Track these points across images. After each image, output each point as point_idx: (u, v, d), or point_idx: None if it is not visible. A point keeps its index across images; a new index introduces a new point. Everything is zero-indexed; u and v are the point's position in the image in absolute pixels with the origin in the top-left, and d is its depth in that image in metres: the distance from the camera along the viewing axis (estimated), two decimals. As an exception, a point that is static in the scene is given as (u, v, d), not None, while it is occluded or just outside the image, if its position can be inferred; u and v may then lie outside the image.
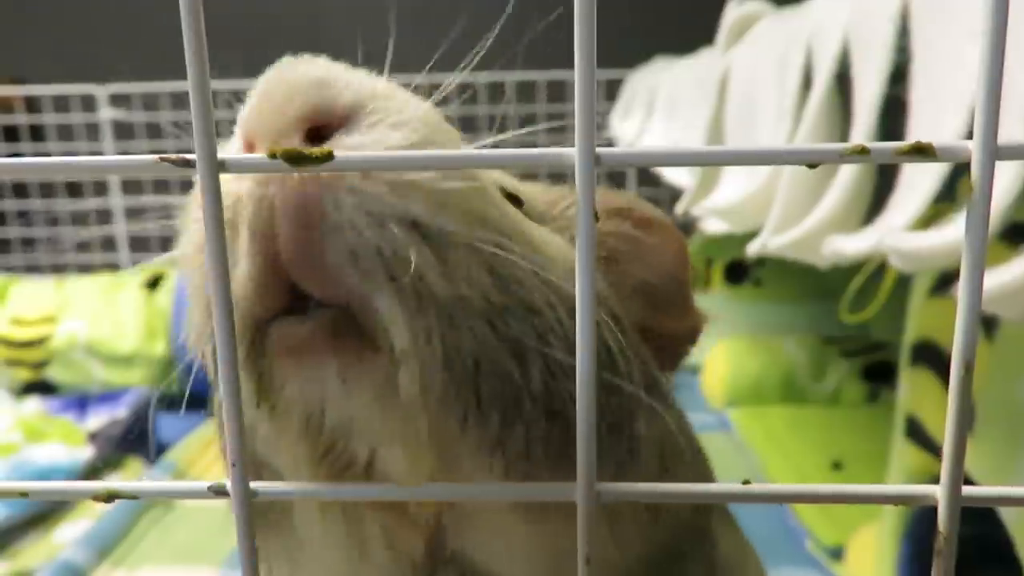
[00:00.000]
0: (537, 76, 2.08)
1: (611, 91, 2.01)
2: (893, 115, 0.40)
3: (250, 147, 0.25)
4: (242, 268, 0.24)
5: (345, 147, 0.24)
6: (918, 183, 0.34)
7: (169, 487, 0.19)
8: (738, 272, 1.73)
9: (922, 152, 0.16)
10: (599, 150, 0.17)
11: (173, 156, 0.17)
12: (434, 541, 0.29)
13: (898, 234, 0.33)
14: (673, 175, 1.01)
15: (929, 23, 0.35)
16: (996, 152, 0.16)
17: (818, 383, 1.44)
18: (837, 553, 0.93)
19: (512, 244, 0.27)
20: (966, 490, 0.17)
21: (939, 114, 0.32)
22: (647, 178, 2.00)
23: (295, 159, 0.17)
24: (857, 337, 1.47)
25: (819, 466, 1.18)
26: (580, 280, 0.17)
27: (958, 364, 0.17)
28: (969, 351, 0.17)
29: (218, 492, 0.18)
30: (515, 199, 0.34)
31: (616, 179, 2.12)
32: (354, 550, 0.29)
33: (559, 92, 2.09)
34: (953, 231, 0.30)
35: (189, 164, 0.17)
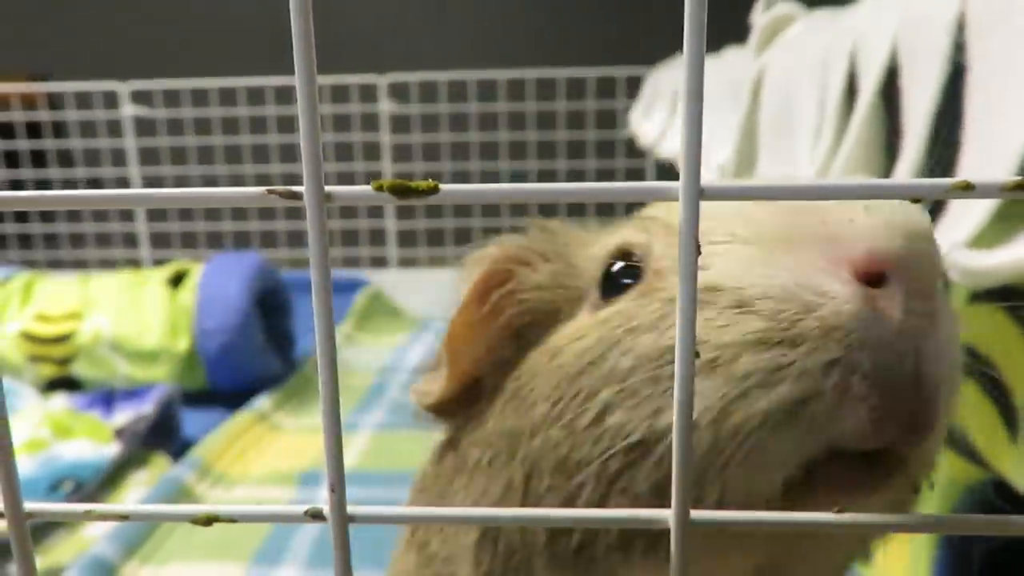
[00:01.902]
0: (587, 73, 2.08)
1: (631, 88, 2.01)
2: (942, 127, 0.39)
3: (872, 275, 0.25)
4: (866, 404, 0.25)
5: (949, 318, 0.27)
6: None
7: (266, 511, 0.19)
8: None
9: (1029, 188, 0.16)
10: (703, 183, 0.17)
11: (280, 189, 0.17)
12: None
13: (963, 251, 0.33)
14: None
15: (988, 34, 0.34)
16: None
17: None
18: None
19: None
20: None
21: (998, 129, 0.32)
22: (665, 174, 2.00)
23: (400, 191, 0.17)
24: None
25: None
26: (681, 316, 0.17)
27: None
28: None
29: (315, 516, 0.19)
30: None
31: (635, 174, 2.12)
32: None
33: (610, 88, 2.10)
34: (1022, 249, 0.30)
35: (296, 196, 0.17)
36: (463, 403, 0.36)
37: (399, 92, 2.12)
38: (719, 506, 0.26)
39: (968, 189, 0.16)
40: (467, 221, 2.18)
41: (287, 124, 2.15)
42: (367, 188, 0.17)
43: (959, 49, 0.37)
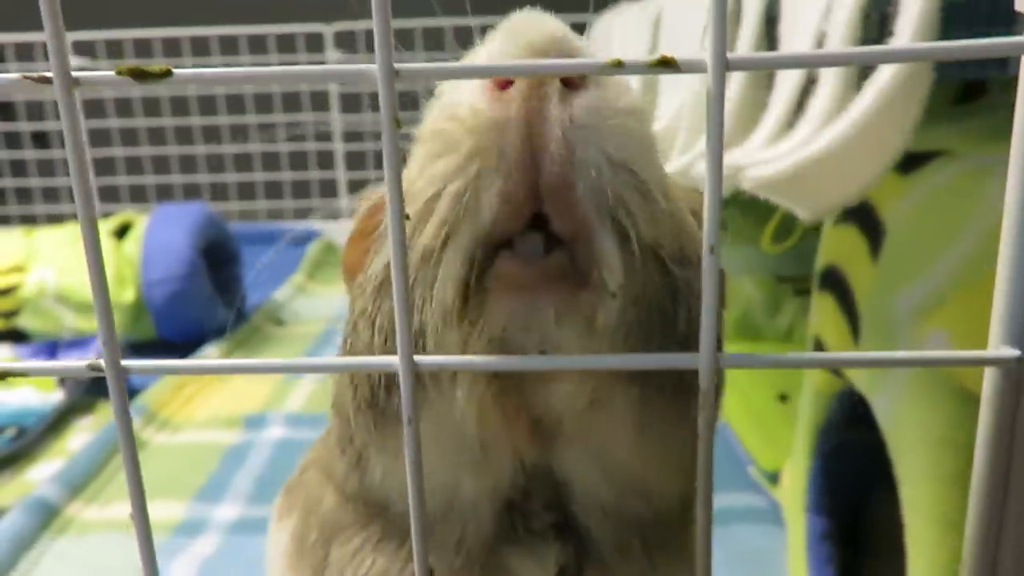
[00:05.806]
0: None
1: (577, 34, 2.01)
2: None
3: (506, 83, 0.26)
4: (494, 189, 0.26)
5: (588, 99, 0.26)
6: (774, 103, 0.37)
7: (51, 366, 0.22)
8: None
9: (668, 64, 0.18)
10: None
11: (34, 75, 0.19)
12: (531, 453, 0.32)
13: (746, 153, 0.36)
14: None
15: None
16: (727, 64, 0.18)
17: (772, 320, 1.49)
18: (774, 477, 0.98)
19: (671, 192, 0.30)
20: (721, 355, 0.20)
21: (796, 29, 0.35)
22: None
23: (138, 75, 0.19)
24: (808, 276, 1.52)
25: (766, 399, 1.23)
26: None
27: (708, 248, 0.20)
28: (711, 236, 0.20)
29: (95, 368, 0.21)
30: None
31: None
32: (464, 445, 0.31)
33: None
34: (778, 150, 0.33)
35: (47, 80, 0.19)
36: None
37: (346, 41, 2.11)
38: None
39: (619, 66, 0.19)
40: (418, 171, 2.18)
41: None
42: (111, 73, 0.19)
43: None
